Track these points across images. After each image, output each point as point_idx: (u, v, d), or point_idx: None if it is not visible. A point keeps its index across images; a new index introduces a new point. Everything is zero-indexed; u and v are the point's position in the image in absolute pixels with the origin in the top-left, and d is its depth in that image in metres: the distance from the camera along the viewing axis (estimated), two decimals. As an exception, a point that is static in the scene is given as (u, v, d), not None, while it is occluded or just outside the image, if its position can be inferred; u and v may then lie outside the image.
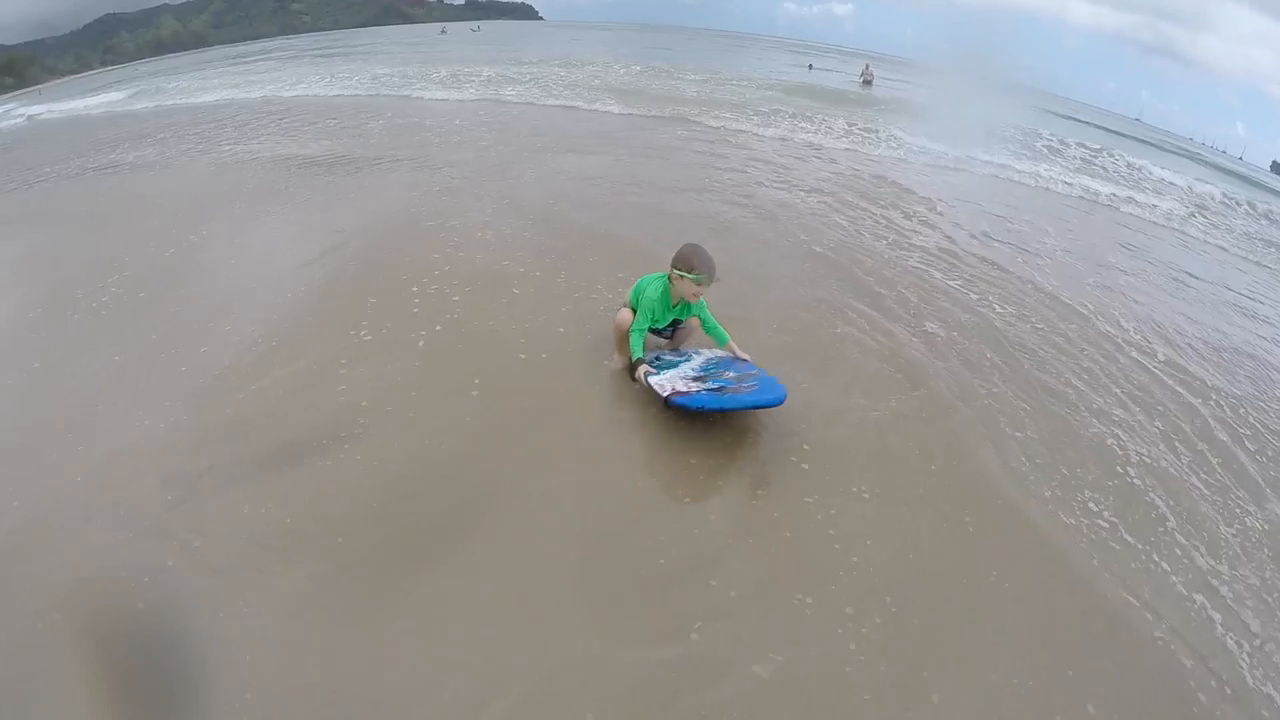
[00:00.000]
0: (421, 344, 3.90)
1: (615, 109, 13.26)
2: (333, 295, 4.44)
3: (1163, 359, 4.78)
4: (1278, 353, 5.60)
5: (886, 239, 6.35)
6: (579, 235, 5.50)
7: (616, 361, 3.65)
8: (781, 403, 3.15)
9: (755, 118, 13.00)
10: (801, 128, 12.59)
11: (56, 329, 4.28)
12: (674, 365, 3.46)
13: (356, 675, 2.17)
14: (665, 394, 3.17)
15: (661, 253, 3.74)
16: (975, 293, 5.34)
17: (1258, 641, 2.67)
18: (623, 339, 3.47)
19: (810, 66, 35.17)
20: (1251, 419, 4.24)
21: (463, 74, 17.67)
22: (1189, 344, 5.23)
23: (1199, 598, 2.80)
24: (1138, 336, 5.10)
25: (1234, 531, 3.24)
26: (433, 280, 4.56)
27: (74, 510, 2.79)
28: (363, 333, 3.97)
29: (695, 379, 3.30)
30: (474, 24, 72.47)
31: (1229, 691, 2.42)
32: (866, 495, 3.05)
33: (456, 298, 4.36)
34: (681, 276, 3.31)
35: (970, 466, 3.33)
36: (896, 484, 3.14)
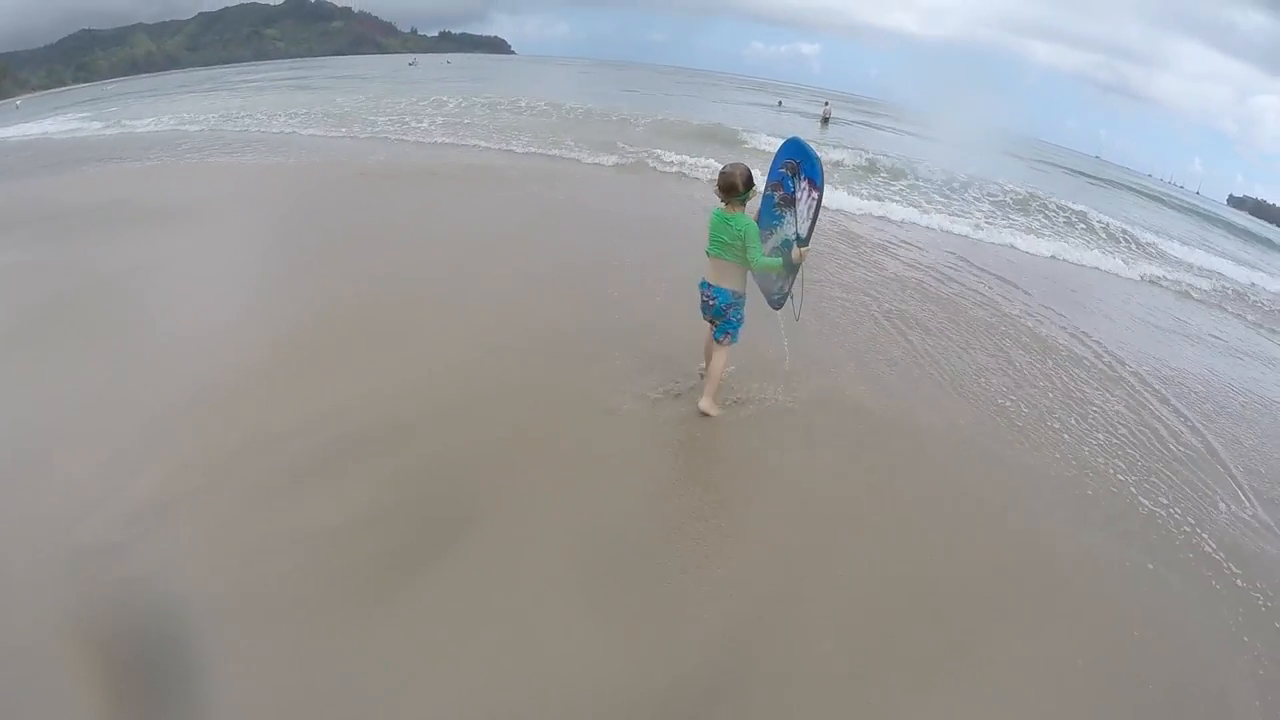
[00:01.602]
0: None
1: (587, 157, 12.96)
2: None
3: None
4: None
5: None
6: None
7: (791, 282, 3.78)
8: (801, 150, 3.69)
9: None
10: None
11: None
12: (780, 220, 3.85)
13: (353, 684, 2.22)
14: (808, 222, 3.55)
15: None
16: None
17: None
18: (770, 271, 3.71)
19: (780, 104, 35.62)
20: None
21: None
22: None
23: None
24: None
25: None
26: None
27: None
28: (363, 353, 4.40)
29: (789, 202, 3.74)
30: (446, 58, 72.94)
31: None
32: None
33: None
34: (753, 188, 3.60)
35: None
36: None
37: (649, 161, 12.08)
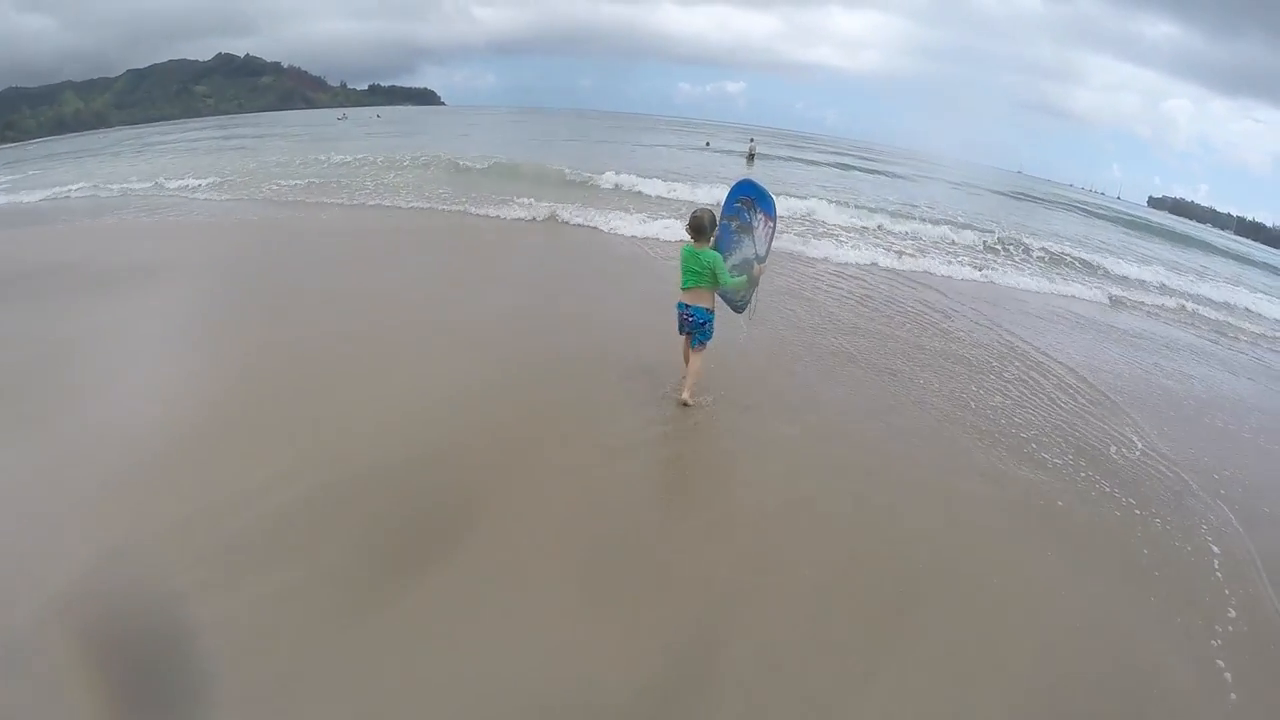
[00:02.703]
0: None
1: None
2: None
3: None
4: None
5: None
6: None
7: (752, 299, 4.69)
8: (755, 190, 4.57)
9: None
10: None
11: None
12: (739, 244, 4.56)
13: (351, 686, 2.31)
14: (765, 246, 4.53)
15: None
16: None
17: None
18: (738, 288, 4.50)
19: (707, 144, 36.26)
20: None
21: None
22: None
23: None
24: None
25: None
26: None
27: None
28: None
29: (748, 229, 4.54)
30: (376, 112, 72.80)
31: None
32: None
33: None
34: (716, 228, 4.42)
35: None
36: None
37: (560, 214, 11.98)
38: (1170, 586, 3.22)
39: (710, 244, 4.35)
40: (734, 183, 4.75)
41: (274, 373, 4.80)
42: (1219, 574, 3.35)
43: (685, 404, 4.45)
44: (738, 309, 4.64)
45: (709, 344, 4.49)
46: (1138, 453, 4.53)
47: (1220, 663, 2.77)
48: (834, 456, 4.16)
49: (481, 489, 3.50)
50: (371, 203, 12.89)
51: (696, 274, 4.33)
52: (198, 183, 15.30)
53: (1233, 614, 3.06)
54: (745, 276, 4.47)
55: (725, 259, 4.43)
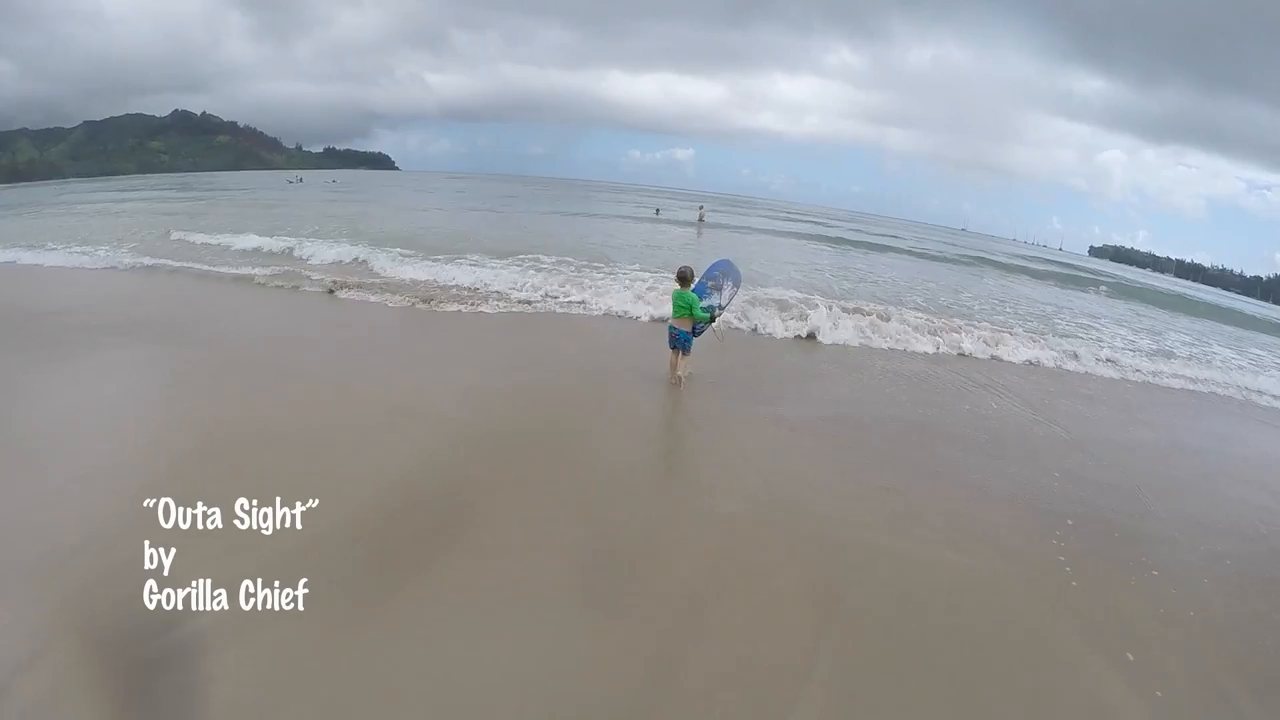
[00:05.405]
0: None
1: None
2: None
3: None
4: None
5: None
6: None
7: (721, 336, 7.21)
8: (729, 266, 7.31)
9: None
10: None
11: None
12: (709, 296, 6.90)
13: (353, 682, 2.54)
14: (726, 301, 7.03)
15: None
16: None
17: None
18: (701, 320, 6.50)
19: (658, 211, 36.46)
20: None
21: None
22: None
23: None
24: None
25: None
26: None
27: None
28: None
29: (718, 288, 7.01)
30: (333, 176, 72.86)
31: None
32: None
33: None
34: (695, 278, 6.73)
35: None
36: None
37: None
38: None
39: (691, 289, 6.56)
40: (717, 259, 7.41)
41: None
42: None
43: (680, 380, 6.59)
44: (698, 332, 6.65)
45: (690, 352, 6.66)
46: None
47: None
48: (799, 504, 4.44)
49: (468, 512, 3.87)
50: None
51: (681, 307, 6.42)
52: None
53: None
54: (708, 316, 6.57)
55: (701, 301, 6.63)
